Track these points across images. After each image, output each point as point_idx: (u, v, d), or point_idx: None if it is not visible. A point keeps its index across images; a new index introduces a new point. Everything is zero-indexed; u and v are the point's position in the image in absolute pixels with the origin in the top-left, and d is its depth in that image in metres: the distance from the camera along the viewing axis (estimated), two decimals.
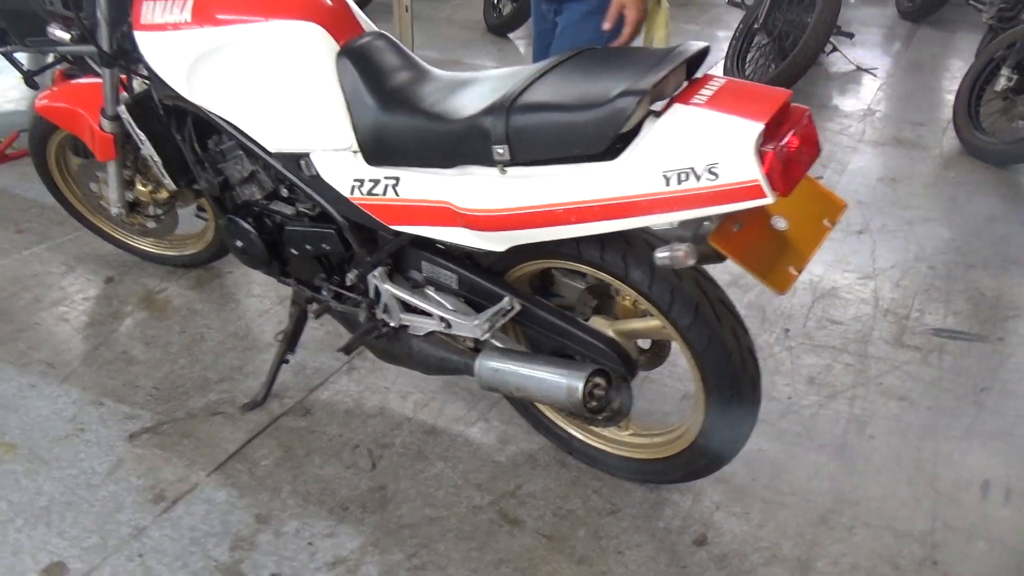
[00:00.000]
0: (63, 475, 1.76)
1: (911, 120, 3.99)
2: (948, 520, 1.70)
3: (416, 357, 1.70)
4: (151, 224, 2.32)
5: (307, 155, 1.57)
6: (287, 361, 1.99)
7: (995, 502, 1.74)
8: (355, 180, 1.53)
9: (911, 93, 4.44)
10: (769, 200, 1.15)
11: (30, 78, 3.39)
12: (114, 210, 2.21)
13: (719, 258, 1.28)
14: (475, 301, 1.60)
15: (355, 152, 1.52)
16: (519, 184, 1.33)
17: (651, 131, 1.23)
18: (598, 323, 1.57)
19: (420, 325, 1.67)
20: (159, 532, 1.63)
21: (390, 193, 1.49)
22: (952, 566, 1.60)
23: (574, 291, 1.60)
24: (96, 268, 2.52)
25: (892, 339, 2.28)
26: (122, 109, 1.93)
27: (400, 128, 1.45)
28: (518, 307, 1.54)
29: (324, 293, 1.79)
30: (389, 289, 1.64)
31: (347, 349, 1.79)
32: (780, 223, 1.31)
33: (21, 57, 3.52)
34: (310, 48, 1.51)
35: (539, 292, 1.65)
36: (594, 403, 1.48)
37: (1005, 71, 3.42)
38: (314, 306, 1.83)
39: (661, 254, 1.25)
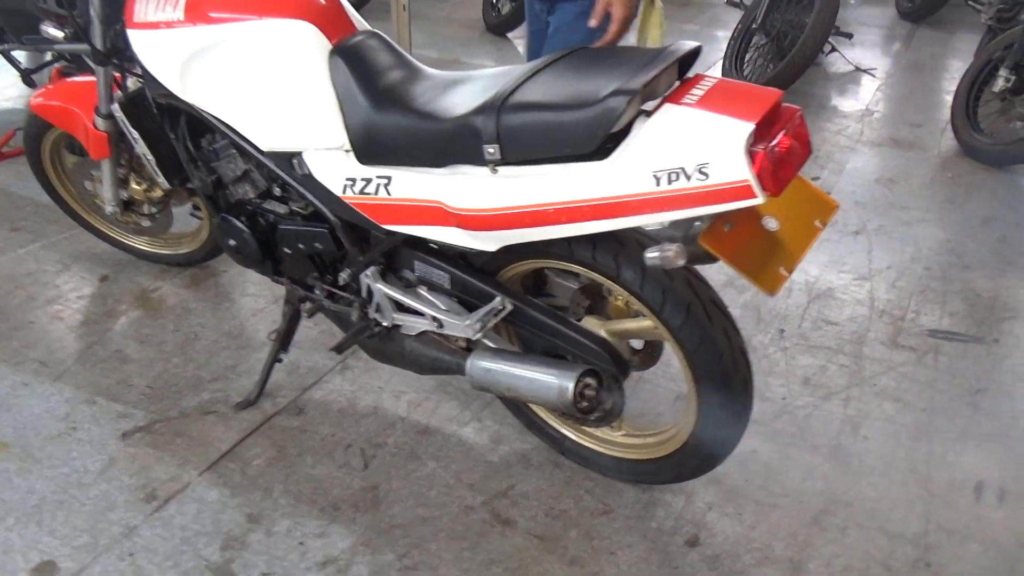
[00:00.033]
0: (55, 474, 1.76)
1: (909, 121, 3.98)
2: (942, 522, 1.69)
3: (408, 356, 1.70)
4: (145, 223, 2.32)
5: (299, 154, 1.57)
6: (280, 360, 1.99)
7: (989, 504, 1.74)
8: (347, 179, 1.53)
9: (910, 94, 4.43)
10: (759, 200, 1.15)
11: (28, 76, 3.37)
12: (108, 208, 2.22)
13: (710, 259, 1.27)
14: (467, 301, 1.59)
15: (347, 151, 1.52)
16: (510, 184, 1.33)
17: (641, 131, 1.23)
18: (591, 323, 1.57)
19: (412, 325, 1.66)
20: (150, 531, 1.63)
21: (382, 192, 1.49)
22: (945, 568, 1.60)
23: (567, 291, 1.60)
24: (91, 266, 2.52)
25: (887, 340, 2.28)
26: (116, 107, 1.93)
27: (392, 127, 1.45)
28: (510, 307, 1.54)
29: (317, 292, 1.78)
30: (382, 288, 1.64)
31: (340, 348, 1.79)
32: (771, 223, 1.31)
33: (19, 55, 3.50)
34: (302, 47, 1.51)
35: (532, 292, 1.65)
36: (585, 403, 1.48)
37: (1003, 72, 3.41)
38: (307, 305, 1.83)
39: (651, 254, 1.25)
